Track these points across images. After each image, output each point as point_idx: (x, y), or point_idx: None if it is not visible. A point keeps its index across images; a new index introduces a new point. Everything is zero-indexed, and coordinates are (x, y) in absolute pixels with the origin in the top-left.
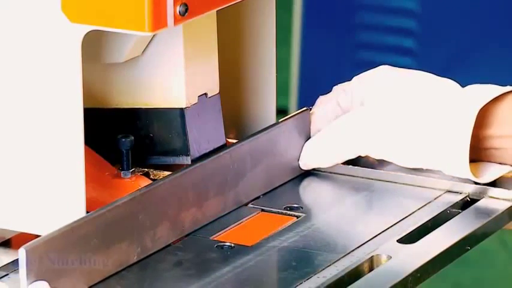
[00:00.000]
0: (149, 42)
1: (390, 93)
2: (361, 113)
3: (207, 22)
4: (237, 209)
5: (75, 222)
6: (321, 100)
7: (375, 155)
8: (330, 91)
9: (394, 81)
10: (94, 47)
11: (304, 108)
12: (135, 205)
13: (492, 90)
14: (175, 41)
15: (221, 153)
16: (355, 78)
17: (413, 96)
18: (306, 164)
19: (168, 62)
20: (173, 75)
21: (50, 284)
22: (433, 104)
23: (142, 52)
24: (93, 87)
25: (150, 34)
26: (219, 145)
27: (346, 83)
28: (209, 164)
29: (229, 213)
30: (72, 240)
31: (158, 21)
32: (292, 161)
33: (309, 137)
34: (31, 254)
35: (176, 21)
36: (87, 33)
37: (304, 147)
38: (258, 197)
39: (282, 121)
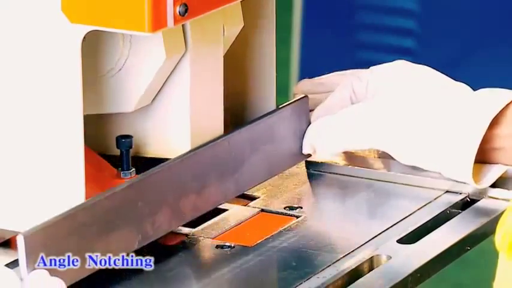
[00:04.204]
0: (158, 92)
1: (403, 90)
2: (371, 106)
3: (213, 70)
4: (237, 208)
5: (73, 209)
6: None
7: (379, 148)
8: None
9: (409, 78)
10: (103, 96)
11: (303, 95)
12: (133, 192)
13: (502, 97)
14: (182, 90)
15: (219, 140)
16: (370, 69)
17: (425, 96)
18: (311, 146)
19: (174, 112)
20: (178, 125)
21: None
22: (443, 107)
23: (152, 101)
24: (98, 134)
25: (150, 34)
26: None
27: (362, 70)
28: (208, 151)
29: (229, 212)
30: (71, 227)
31: (158, 22)
32: (292, 148)
33: (308, 124)
34: (30, 242)
35: (176, 21)
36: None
37: (309, 130)
38: (258, 197)
39: (281, 107)
